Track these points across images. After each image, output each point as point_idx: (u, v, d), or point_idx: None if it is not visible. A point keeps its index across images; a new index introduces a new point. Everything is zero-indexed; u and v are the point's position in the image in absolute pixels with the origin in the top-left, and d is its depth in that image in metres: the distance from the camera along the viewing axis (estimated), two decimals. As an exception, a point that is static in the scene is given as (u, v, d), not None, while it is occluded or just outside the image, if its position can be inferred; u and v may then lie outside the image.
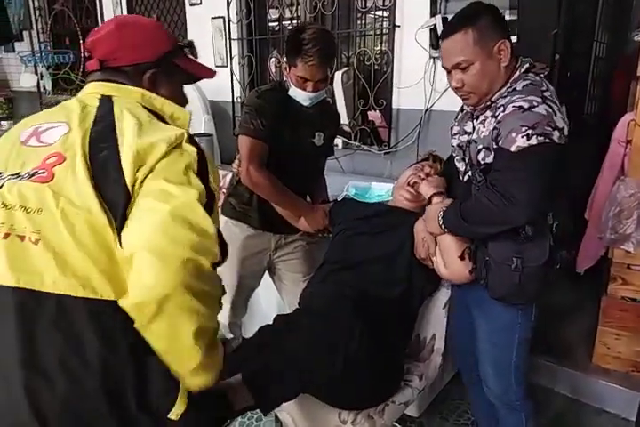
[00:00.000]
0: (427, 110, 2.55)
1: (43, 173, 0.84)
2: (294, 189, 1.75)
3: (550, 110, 1.17)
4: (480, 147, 1.27)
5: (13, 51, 4.95)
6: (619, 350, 2.07)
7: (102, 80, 0.97)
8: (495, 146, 1.21)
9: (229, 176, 1.96)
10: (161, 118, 0.94)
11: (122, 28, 0.97)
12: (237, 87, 3.42)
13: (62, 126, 0.89)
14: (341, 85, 2.72)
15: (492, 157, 1.24)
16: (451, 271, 1.38)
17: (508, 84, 1.27)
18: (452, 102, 2.44)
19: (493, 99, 1.28)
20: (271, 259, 1.91)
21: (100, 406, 0.78)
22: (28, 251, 0.80)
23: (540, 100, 1.18)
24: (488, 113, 1.28)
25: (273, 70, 3.34)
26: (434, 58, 2.44)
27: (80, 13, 4.52)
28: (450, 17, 2.26)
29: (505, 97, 1.25)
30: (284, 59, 1.68)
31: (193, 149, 0.89)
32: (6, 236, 0.80)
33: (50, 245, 0.79)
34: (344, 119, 2.74)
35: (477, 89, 1.28)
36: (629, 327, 2.02)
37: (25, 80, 4.77)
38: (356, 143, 2.86)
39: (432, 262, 1.43)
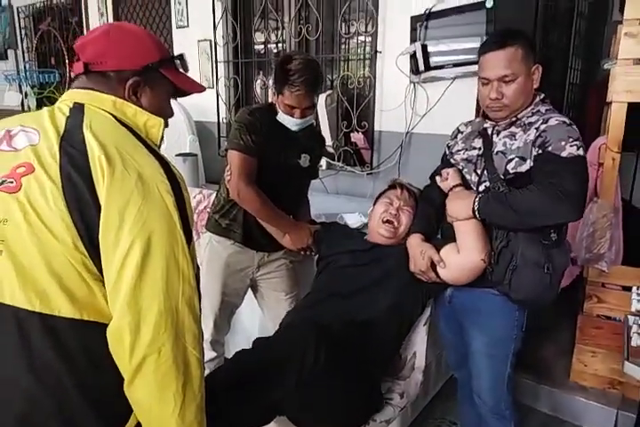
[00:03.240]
0: (407, 133, 2.63)
1: (11, 182, 0.81)
2: (279, 207, 1.78)
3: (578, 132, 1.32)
4: (511, 157, 1.37)
5: (-2, 69, 4.96)
6: (595, 368, 2.12)
7: (80, 88, 0.95)
8: (539, 152, 1.32)
9: (214, 195, 1.98)
10: (132, 131, 0.91)
11: (112, 32, 0.96)
12: (223, 108, 3.47)
13: (33, 133, 0.86)
14: (325, 108, 2.79)
15: (525, 165, 1.35)
16: (465, 258, 1.39)
17: (532, 106, 1.40)
18: (431, 125, 2.54)
19: (519, 116, 1.40)
20: (254, 276, 1.92)
21: (58, 424, 0.79)
22: None
23: (570, 121, 1.34)
24: (514, 128, 1.41)
25: (258, 92, 3.40)
26: (414, 83, 2.53)
27: (66, 33, 4.56)
28: (429, 44, 2.38)
29: (531, 116, 1.39)
30: (272, 87, 1.73)
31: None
32: None
33: (12, 256, 0.78)
34: (328, 140, 2.79)
35: (513, 103, 1.38)
36: (605, 345, 2.07)
37: (9, 99, 4.76)
38: (340, 164, 2.91)
39: (434, 272, 1.45)
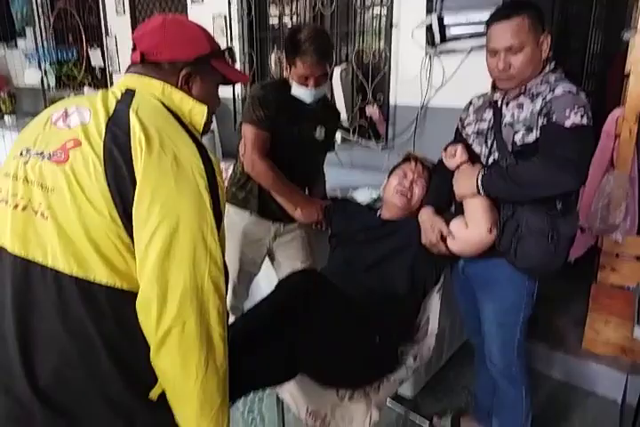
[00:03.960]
0: (423, 106, 2.63)
1: (60, 154, 0.88)
2: (294, 182, 1.82)
3: (586, 100, 1.31)
4: (518, 128, 1.38)
5: (16, 47, 4.99)
6: (607, 336, 2.15)
7: (135, 73, 1.01)
8: (544, 122, 1.32)
9: (231, 168, 2.03)
10: (177, 117, 0.96)
11: (167, 25, 1.01)
12: (238, 84, 3.47)
13: (86, 113, 0.93)
14: (340, 81, 2.79)
15: (531, 136, 1.35)
16: (472, 233, 1.43)
17: (541, 77, 1.40)
18: (447, 98, 2.53)
19: (528, 86, 1.40)
20: (270, 246, 1.98)
21: (88, 386, 0.86)
22: (39, 225, 0.86)
23: (578, 89, 1.34)
24: (523, 98, 1.40)
25: (273, 67, 3.41)
26: (430, 55, 2.52)
27: (83, 10, 4.57)
28: (445, 16, 2.35)
29: (539, 86, 1.38)
30: (284, 61, 1.75)
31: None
32: (24, 208, 0.88)
33: (56, 222, 0.85)
34: (343, 114, 2.81)
35: (521, 73, 1.38)
36: (617, 313, 2.10)
37: (29, 76, 4.82)
38: (355, 138, 2.93)
39: (444, 245, 1.49)
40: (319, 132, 1.88)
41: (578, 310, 2.39)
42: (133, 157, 0.85)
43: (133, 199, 0.84)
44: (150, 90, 0.98)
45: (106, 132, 0.88)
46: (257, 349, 1.23)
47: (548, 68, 1.41)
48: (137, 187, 0.84)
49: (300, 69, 1.69)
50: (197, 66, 1.01)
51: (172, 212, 0.85)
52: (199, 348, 0.87)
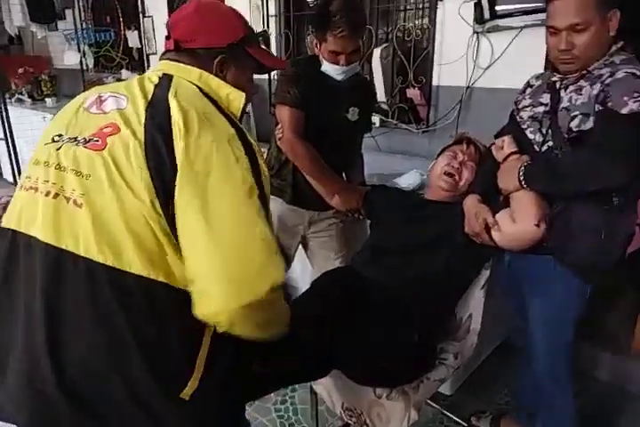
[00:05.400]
0: (468, 88, 2.48)
1: (97, 140, 0.87)
2: (329, 166, 1.73)
3: None
4: (575, 113, 1.26)
5: (56, 29, 5.04)
6: (660, 337, 2.02)
7: (171, 59, 1.00)
8: (600, 108, 1.20)
9: (266, 154, 1.97)
10: (214, 102, 0.95)
11: (201, 11, 1.00)
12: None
13: (122, 98, 0.91)
14: (380, 62, 2.68)
15: (589, 123, 1.23)
16: (519, 228, 1.32)
17: (606, 57, 1.26)
18: (494, 79, 2.38)
19: (590, 68, 1.27)
20: (305, 234, 1.93)
21: (115, 381, 0.81)
22: (71, 213, 0.83)
23: None
24: (583, 82, 1.28)
25: (311, 48, 3.30)
26: (477, 33, 2.36)
27: (120, -9, 4.56)
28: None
29: (602, 68, 1.25)
30: (314, 36, 1.65)
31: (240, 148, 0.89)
32: (56, 196, 0.85)
33: (93, 210, 0.82)
34: (382, 97, 2.70)
35: (585, 54, 1.25)
36: (673, 313, 1.97)
37: (69, 58, 4.86)
38: (394, 121, 2.81)
39: (488, 236, 1.39)
40: (352, 113, 1.79)
41: (628, 309, 2.25)
42: (174, 140, 0.83)
43: (174, 185, 0.82)
44: (188, 76, 0.97)
45: (146, 118, 0.87)
46: (290, 349, 1.17)
47: (614, 48, 1.27)
48: (178, 171, 0.82)
49: (330, 45, 1.59)
50: (232, 52, 1.00)
51: (214, 195, 0.82)
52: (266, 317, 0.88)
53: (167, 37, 1.02)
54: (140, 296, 0.82)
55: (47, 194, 0.85)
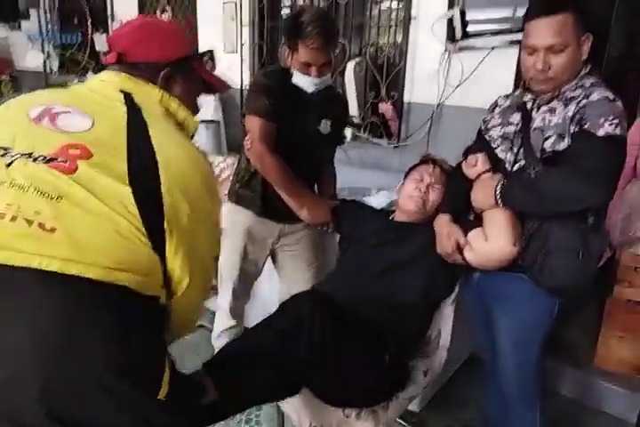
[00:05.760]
0: (439, 105, 2.52)
1: (64, 161, 0.79)
2: (300, 178, 1.70)
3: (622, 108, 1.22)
4: (549, 134, 1.27)
5: (19, 29, 4.88)
6: (621, 353, 2.06)
7: (117, 70, 0.98)
8: (576, 129, 1.22)
9: (236, 163, 1.93)
10: (180, 125, 0.98)
11: (144, 27, 1.01)
12: (247, 74, 3.38)
13: (82, 117, 0.86)
14: (353, 76, 2.69)
15: (563, 143, 1.25)
16: (493, 246, 1.32)
17: (576, 80, 1.29)
18: (464, 98, 2.43)
19: (562, 90, 1.29)
20: (274, 247, 1.89)
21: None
22: (37, 237, 0.74)
23: (615, 96, 1.23)
24: (555, 103, 1.30)
25: (284, 59, 3.30)
26: (449, 52, 2.41)
27: (89, -7, 4.46)
28: (468, 10, 2.25)
29: (574, 90, 1.28)
30: (285, 46, 1.64)
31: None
32: (13, 218, 0.74)
33: (68, 234, 0.75)
34: (354, 111, 2.71)
35: (560, 76, 1.27)
36: (633, 330, 2.01)
37: (31, 59, 4.71)
38: (365, 135, 2.83)
39: (460, 255, 1.39)
40: (324, 126, 1.77)
41: (590, 324, 2.29)
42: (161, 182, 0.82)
43: (162, 220, 0.80)
44: (149, 97, 0.96)
45: (129, 151, 0.83)
46: (257, 370, 1.14)
47: (583, 72, 1.30)
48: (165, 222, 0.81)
49: (302, 56, 1.57)
50: (177, 67, 1.01)
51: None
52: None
53: (108, 52, 1.01)
54: (101, 303, 0.76)
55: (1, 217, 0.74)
